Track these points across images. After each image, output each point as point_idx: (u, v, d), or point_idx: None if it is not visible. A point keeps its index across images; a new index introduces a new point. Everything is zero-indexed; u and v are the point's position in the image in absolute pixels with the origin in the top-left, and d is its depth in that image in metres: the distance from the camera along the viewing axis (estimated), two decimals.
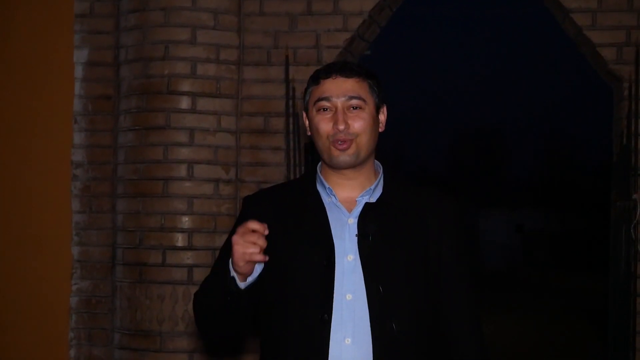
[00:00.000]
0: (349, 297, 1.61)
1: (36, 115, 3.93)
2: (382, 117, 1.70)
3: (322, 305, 1.59)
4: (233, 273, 1.55)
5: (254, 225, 1.52)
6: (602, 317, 4.04)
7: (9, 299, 3.85)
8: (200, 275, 3.45)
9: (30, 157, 3.97)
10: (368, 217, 1.63)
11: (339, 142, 1.61)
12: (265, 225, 1.54)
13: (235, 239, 1.53)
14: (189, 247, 3.42)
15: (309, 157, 3.37)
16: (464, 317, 1.68)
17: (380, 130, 1.70)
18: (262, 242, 1.53)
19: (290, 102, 3.36)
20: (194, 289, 3.30)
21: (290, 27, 3.42)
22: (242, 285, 1.57)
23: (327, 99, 1.63)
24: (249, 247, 1.50)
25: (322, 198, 1.68)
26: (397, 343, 1.60)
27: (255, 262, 1.54)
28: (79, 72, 3.75)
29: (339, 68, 1.67)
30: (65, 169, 3.91)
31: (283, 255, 1.64)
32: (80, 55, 3.76)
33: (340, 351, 1.59)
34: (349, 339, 1.59)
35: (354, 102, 1.63)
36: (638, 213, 3.16)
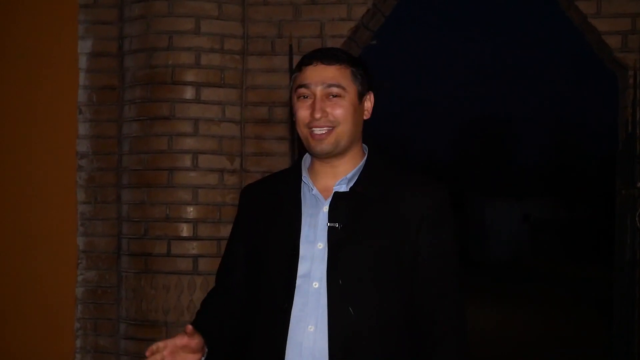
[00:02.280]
0: (315, 285, 1.61)
1: (41, 106, 3.94)
2: (369, 104, 1.68)
3: (283, 294, 1.60)
4: None
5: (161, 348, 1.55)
6: (609, 305, 4.05)
7: (15, 290, 3.88)
8: (205, 265, 3.50)
9: (35, 148, 3.98)
10: (338, 207, 1.62)
11: (316, 131, 1.60)
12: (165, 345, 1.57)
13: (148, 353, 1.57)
14: (194, 237, 3.44)
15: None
16: (444, 308, 1.63)
17: (365, 117, 1.69)
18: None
19: (291, 92, 3.40)
20: (199, 279, 3.28)
21: (294, 17, 3.42)
22: None
23: (306, 86, 1.62)
24: None
25: (303, 187, 1.68)
26: (355, 330, 1.58)
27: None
28: (83, 62, 3.76)
29: (321, 55, 1.64)
30: (70, 160, 3.92)
31: (260, 245, 1.69)
32: (85, 46, 3.77)
33: (302, 338, 1.59)
34: (312, 327, 1.59)
35: (333, 90, 1.61)
36: None
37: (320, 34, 3.39)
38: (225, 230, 3.45)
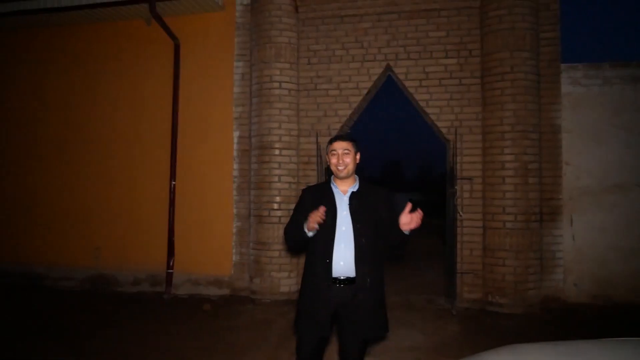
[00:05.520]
0: (343, 228, 3.25)
1: (211, 117, 7.37)
2: (358, 156, 3.42)
3: (331, 232, 3.26)
4: (305, 229, 3.21)
5: (321, 212, 3.11)
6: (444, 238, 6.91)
7: (205, 232, 7.46)
8: (285, 220, 7.05)
9: (207, 143, 7.32)
10: (353, 197, 3.31)
11: (340, 167, 3.30)
12: (323, 212, 3.09)
13: (312, 215, 3.11)
14: (279, 209, 7.11)
15: (326, 173, 7.14)
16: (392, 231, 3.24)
17: (357, 162, 3.39)
18: (321, 219, 3.07)
19: (318, 152, 7.27)
20: (280, 227, 7.38)
21: (318, 121, 7.33)
22: (309, 234, 3.20)
23: (334, 149, 3.35)
24: (317, 219, 3.13)
25: (333, 189, 3.35)
26: (365, 248, 3.17)
27: (316, 226, 3.10)
28: (237, 86, 7.10)
29: (339, 137, 3.39)
30: (229, 155, 7.34)
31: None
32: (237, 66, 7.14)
33: (339, 250, 3.23)
34: (343, 245, 3.23)
35: (346, 150, 3.34)
36: (456, 196, 7.05)
37: (328, 128, 7.26)
38: (292, 207, 6.86)
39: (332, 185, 3.48)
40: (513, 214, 6.83)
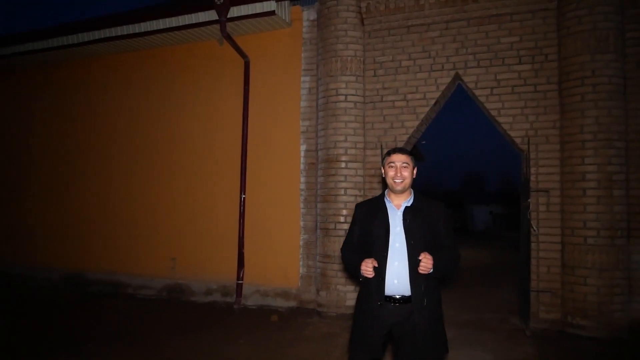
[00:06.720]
0: (397, 245, 3.17)
1: (279, 132, 7.63)
2: (415, 171, 3.41)
3: (384, 248, 3.20)
4: (361, 272, 3.18)
5: (372, 262, 3.07)
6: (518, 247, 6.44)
7: (274, 245, 7.69)
8: (344, 233, 6.62)
9: (275, 157, 7.54)
10: (406, 212, 3.27)
11: (397, 180, 3.25)
12: (375, 262, 3.07)
13: (363, 265, 3.11)
14: (345, 222, 7.23)
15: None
16: (451, 246, 3.29)
17: (414, 177, 3.36)
18: (372, 269, 3.04)
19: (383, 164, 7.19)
20: (341, 239, 7.44)
21: (384, 133, 7.37)
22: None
23: (393, 162, 3.32)
24: (368, 270, 3.11)
25: (386, 204, 3.33)
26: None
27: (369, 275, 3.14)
28: (303, 100, 7.33)
29: (398, 150, 3.39)
30: (296, 168, 7.54)
31: (370, 228, 3.25)
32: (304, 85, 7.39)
33: (393, 267, 3.16)
34: (397, 262, 3.15)
35: (404, 164, 3.31)
36: (530, 210, 6.78)
37: (394, 140, 7.33)
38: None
39: (385, 200, 3.39)
40: (595, 229, 6.47)
